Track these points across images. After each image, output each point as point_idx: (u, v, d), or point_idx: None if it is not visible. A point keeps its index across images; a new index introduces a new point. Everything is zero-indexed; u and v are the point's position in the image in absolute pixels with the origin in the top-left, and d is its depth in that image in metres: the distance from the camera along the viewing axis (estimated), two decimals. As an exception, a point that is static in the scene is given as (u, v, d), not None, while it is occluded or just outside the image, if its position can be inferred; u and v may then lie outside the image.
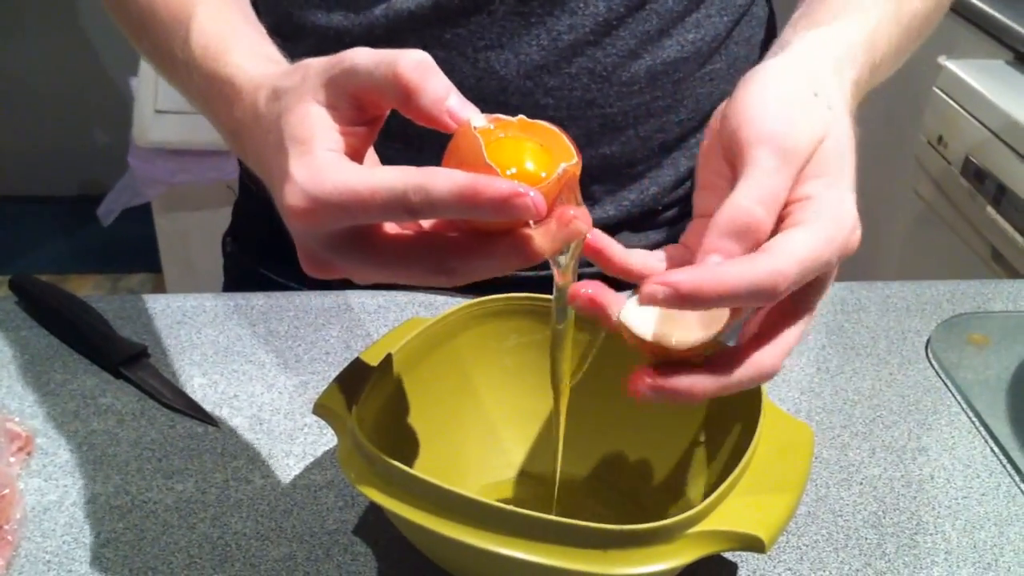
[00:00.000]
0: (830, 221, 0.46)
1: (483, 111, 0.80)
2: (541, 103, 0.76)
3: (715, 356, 0.47)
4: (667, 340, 0.45)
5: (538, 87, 0.76)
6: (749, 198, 0.45)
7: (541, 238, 0.44)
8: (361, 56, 0.45)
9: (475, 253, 0.44)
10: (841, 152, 0.48)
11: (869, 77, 0.57)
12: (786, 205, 0.47)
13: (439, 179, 0.41)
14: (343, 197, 0.43)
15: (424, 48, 0.76)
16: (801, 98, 0.49)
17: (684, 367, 0.46)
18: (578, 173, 0.45)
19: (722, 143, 0.50)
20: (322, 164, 0.44)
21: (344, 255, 0.46)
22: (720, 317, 0.46)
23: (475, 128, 0.44)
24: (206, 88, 0.58)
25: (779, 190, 0.46)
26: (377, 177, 0.42)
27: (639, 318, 0.46)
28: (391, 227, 0.46)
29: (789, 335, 0.48)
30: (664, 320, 0.46)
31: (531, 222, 0.44)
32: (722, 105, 0.52)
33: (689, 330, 0.46)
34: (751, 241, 0.45)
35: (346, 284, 0.88)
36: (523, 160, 0.44)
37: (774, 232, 0.46)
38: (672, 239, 0.89)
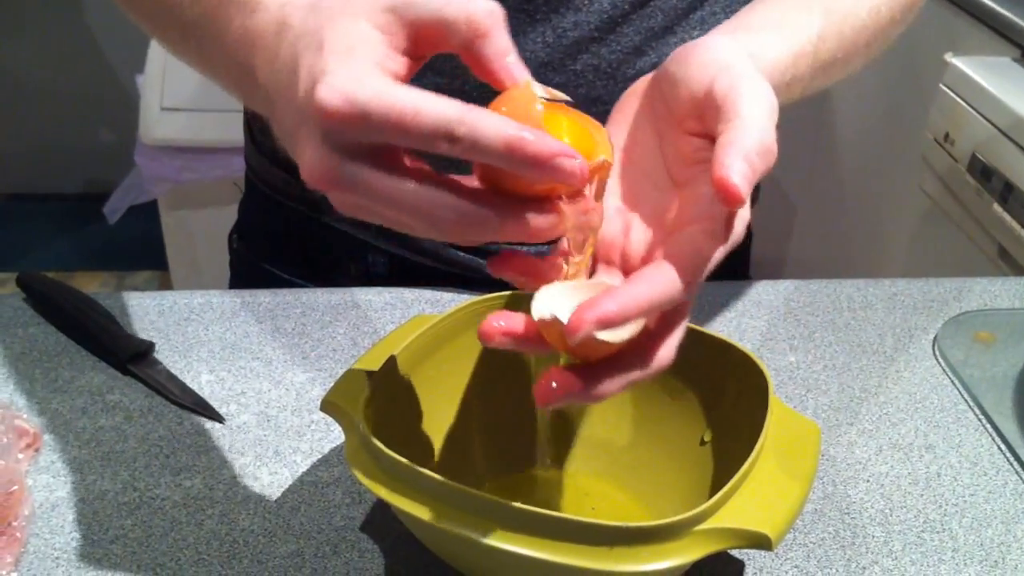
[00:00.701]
0: (739, 233, 0.47)
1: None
2: None
3: (627, 351, 0.46)
4: (599, 340, 0.44)
5: (543, 84, 0.76)
6: (768, 129, 0.45)
7: (564, 215, 0.44)
8: None
9: (495, 209, 0.43)
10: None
11: (786, 92, 0.57)
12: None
13: (491, 120, 0.41)
14: (383, 106, 0.41)
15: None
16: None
17: (606, 368, 0.45)
18: (609, 172, 0.46)
19: (686, 93, 0.49)
20: (365, 69, 0.42)
21: (358, 170, 0.43)
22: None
23: (533, 89, 0.44)
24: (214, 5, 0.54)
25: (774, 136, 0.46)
26: (425, 97, 0.41)
27: (553, 311, 0.44)
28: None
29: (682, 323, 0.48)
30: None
31: (562, 197, 0.44)
32: (644, 80, 0.53)
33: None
34: (768, 167, 0.45)
35: (352, 281, 0.88)
36: (571, 136, 0.44)
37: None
38: None
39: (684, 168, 0.50)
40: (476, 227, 0.43)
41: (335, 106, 0.41)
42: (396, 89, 0.42)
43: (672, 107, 0.50)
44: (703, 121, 0.48)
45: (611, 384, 0.45)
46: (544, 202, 0.44)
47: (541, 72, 0.75)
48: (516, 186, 0.44)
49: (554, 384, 0.44)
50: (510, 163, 0.41)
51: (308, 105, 0.43)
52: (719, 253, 0.46)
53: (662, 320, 0.47)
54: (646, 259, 0.49)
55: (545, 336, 0.45)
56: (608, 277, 0.50)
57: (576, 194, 0.45)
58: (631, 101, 0.54)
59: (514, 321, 0.46)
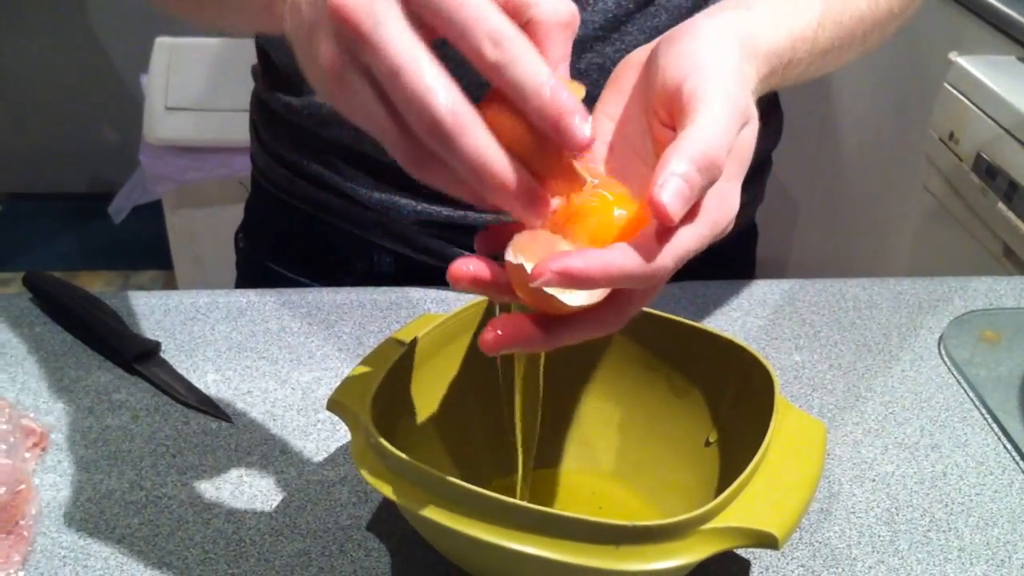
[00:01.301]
0: (715, 220, 0.46)
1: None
2: None
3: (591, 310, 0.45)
4: (558, 299, 0.44)
5: None
6: (718, 139, 0.44)
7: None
8: None
9: (487, 149, 0.42)
10: (748, 153, 0.49)
11: (781, 76, 0.57)
12: None
13: (532, 52, 0.42)
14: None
15: (432, 45, 0.75)
16: (743, 73, 0.49)
17: (569, 322, 0.45)
18: (585, 185, 0.46)
19: (661, 82, 0.49)
20: None
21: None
22: None
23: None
24: None
25: (730, 146, 0.46)
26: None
27: (522, 257, 0.44)
28: None
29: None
30: None
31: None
32: (643, 51, 0.53)
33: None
34: (712, 179, 0.44)
35: (358, 280, 0.88)
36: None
37: None
38: None
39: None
40: (459, 159, 0.43)
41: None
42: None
43: (650, 93, 0.50)
44: (671, 116, 0.48)
45: (560, 335, 0.45)
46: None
47: None
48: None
49: (499, 331, 0.44)
50: (522, 97, 0.42)
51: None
52: (697, 242, 0.45)
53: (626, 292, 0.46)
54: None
55: (512, 282, 0.45)
56: None
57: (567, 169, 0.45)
58: (627, 73, 0.54)
59: (482, 267, 0.46)
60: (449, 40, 0.43)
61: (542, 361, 0.55)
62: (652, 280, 0.43)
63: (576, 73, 0.76)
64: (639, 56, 0.53)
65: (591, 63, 0.76)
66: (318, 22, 0.44)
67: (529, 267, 0.42)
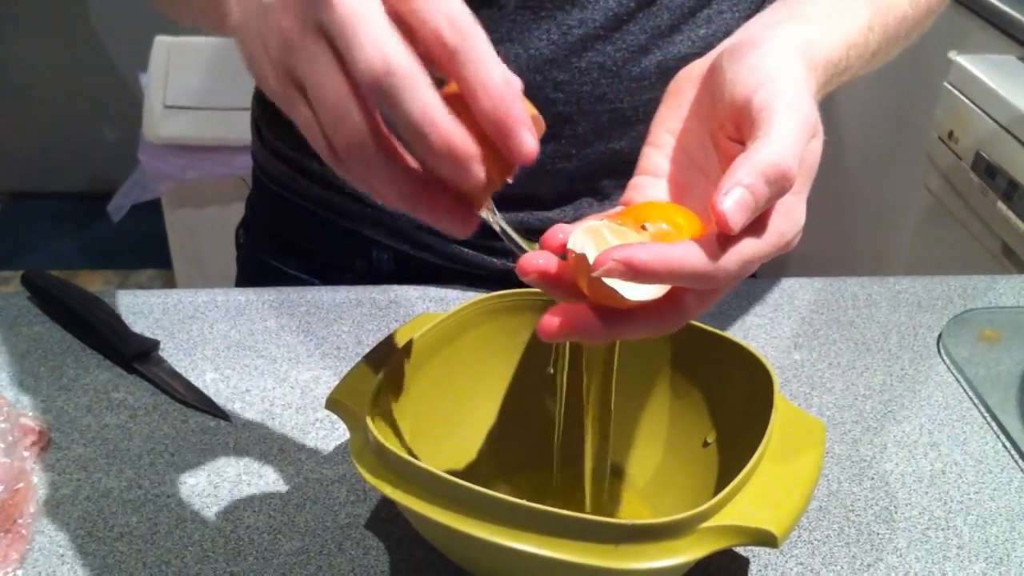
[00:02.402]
0: (781, 231, 0.46)
1: None
2: (551, 97, 0.76)
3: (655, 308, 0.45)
4: (617, 291, 0.43)
5: (548, 81, 0.76)
6: (790, 151, 0.44)
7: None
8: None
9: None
10: (814, 167, 0.49)
11: (837, 83, 0.58)
12: None
13: (490, 49, 0.41)
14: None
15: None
16: (809, 86, 0.49)
17: (629, 316, 0.45)
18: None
19: (729, 97, 0.49)
20: None
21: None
22: None
23: None
24: None
25: (799, 159, 0.45)
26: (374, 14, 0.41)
27: (584, 247, 0.44)
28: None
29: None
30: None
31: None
32: (702, 63, 0.52)
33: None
34: (781, 191, 0.44)
35: (358, 278, 0.88)
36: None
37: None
38: None
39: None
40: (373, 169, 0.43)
41: None
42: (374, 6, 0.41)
43: (717, 107, 0.50)
44: (739, 130, 0.48)
45: (619, 328, 0.44)
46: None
47: (546, 69, 0.75)
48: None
49: (560, 318, 0.44)
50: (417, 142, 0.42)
51: None
52: (761, 252, 0.44)
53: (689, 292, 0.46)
54: None
55: (574, 272, 0.44)
56: None
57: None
58: (686, 87, 0.53)
59: (551, 260, 0.46)
60: (411, 25, 0.42)
61: (615, 370, 0.55)
62: (714, 281, 0.43)
63: (577, 72, 0.76)
64: (697, 69, 0.53)
65: (592, 62, 0.75)
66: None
67: (592, 256, 0.42)
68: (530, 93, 0.75)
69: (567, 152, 0.79)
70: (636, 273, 0.41)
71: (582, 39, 0.75)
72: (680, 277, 0.42)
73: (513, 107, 0.42)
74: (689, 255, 0.42)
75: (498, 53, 0.75)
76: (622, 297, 0.43)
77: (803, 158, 0.47)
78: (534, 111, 0.45)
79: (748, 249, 0.44)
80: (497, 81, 0.42)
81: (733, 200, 0.42)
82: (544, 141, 0.79)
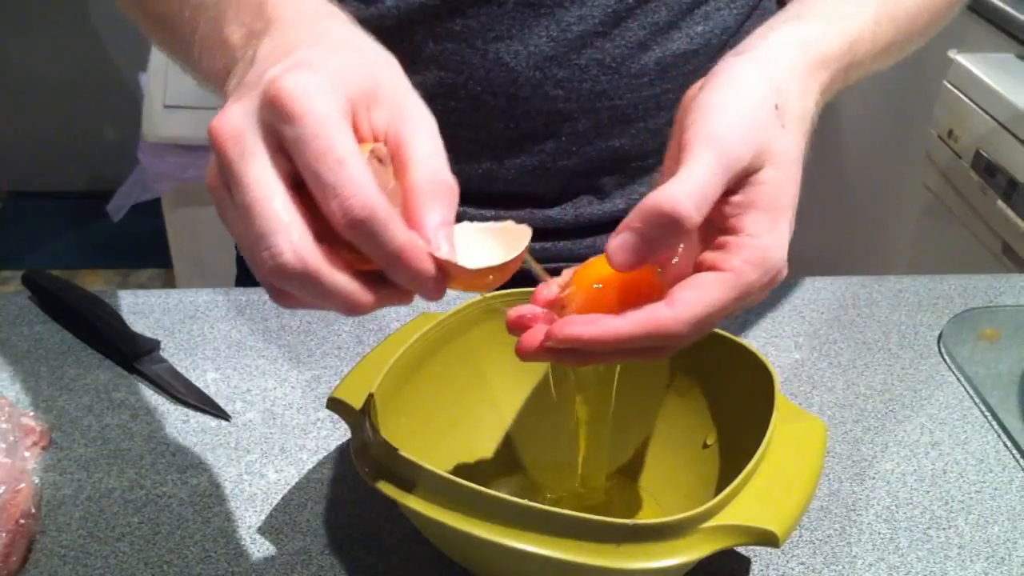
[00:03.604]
0: (750, 271, 0.47)
1: (493, 103, 0.81)
2: (551, 94, 0.76)
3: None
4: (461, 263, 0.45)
5: (548, 78, 0.76)
6: (682, 192, 0.45)
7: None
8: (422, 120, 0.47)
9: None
10: (784, 186, 0.50)
11: (844, 79, 0.58)
12: (725, 220, 0.48)
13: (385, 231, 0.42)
14: (320, 132, 0.42)
15: (434, 40, 0.75)
16: (760, 108, 0.49)
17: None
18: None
19: (676, 135, 0.50)
20: (337, 99, 0.43)
21: (258, 151, 0.43)
22: (519, 245, 0.47)
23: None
24: None
25: (711, 193, 0.46)
26: (352, 159, 0.42)
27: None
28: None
29: None
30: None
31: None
32: (687, 96, 0.52)
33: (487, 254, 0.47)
34: (672, 233, 0.45)
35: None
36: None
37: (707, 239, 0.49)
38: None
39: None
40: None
41: (288, 93, 0.42)
42: (348, 135, 0.42)
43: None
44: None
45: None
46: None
47: (545, 66, 0.75)
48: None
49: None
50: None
51: (265, 79, 0.43)
52: (717, 303, 0.46)
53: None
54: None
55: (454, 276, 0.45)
56: None
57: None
58: (680, 115, 0.53)
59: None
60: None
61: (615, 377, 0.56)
62: (672, 339, 0.45)
63: (576, 69, 0.76)
64: (690, 94, 0.53)
65: (591, 59, 0.75)
66: (252, 86, 0.45)
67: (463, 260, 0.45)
68: (530, 91, 0.76)
69: (567, 150, 0.79)
70: (584, 348, 0.46)
71: (581, 36, 0.75)
72: (631, 344, 0.45)
73: (415, 276, 0.43)
74: (623, 325, 0.45)
75: (498, 51, 0.75)
76: (462, 267, 0.44)
77: (758, 195, 0.48)
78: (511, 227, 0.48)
79: (693, 306, 0.45)
80: (393, 249, 0.42)
81: (616, 242, 0.46)
82: (544, 139, 0.80)
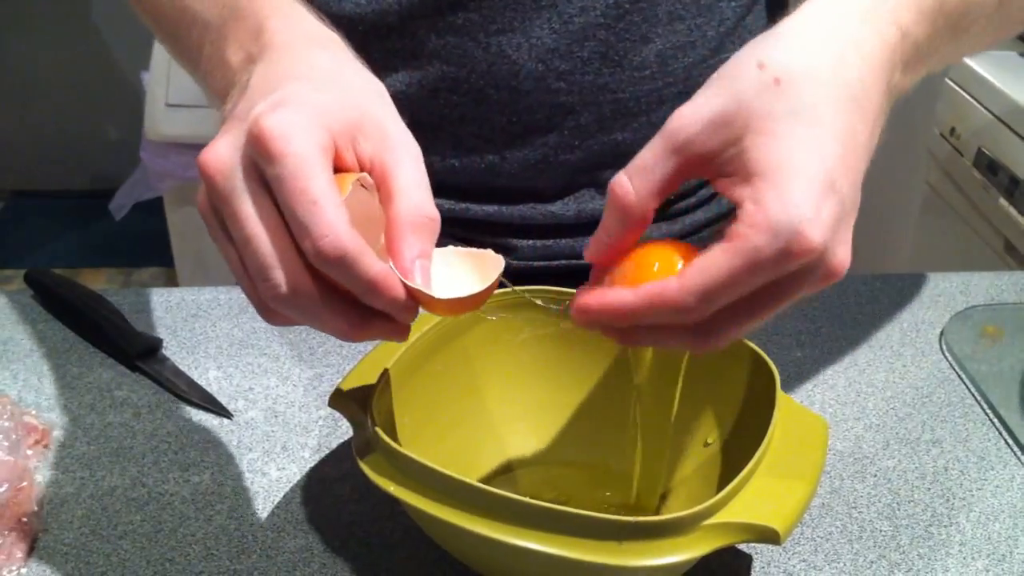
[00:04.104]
0: (753, 235, 0.43)
1: (496, 96, 0.81)
2: (553, 87, 0.76)
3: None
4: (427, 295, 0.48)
5: (550, 71, 0.76)
6: (624, 172, 0.47)
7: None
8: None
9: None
10: (781, 146, 0.44)
11: (906, 60, 0.51)
12: (732, 198, 0.45)
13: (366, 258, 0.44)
14: (299, 172, 0.44)
15: (436, 34, 0.76)
16: (729, 78, 0.47)
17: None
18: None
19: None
20: (320, 139, 0.46)
21: (243, 187, 0.46)
22: (492, 274, 0.50)
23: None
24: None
25: (654, 171, 0.47)
26: (328, 201, 0.44)
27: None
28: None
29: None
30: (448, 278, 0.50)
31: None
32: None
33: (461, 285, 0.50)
34: (622, 211, 0.48)
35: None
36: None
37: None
38: (685, 231, 0.89)
39: None
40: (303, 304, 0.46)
41: (268, 133, 0.44)
42: (324, 174, 0.44)
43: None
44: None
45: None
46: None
47: (548, 59, 0.75)
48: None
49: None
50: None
51: (252, 116, 0.45)
52: (723, 271, 0.43)
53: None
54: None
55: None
56: None
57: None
58: None
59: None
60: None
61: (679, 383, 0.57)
62: (670, 314, 0.45)
63: (579, 61, 0.75)
64: None
65: (593, 51, 0.75)
66: (239, 120, 0.48)
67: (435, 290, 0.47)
68: (532, 83, 0.75)
69: (569, 144, 0.79)
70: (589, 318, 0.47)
71: (583, 28, 0.75)
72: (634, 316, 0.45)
73: (382, 299, 0.46)
74: (622, 296, 0.46)
75: (500, 44, 0.75)
76: (433, 297, 0.47)
77: (744, 160, 0.45)
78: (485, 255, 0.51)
79: (698, 277, 0.44)
80: (366, 281, 0.45)
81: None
82: (547, 132, 0.80)
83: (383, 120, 0.49)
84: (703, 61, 0.80)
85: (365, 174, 0.47)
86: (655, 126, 0.83)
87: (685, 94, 0.79)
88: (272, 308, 0.47)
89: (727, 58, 0.81)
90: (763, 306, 0.45)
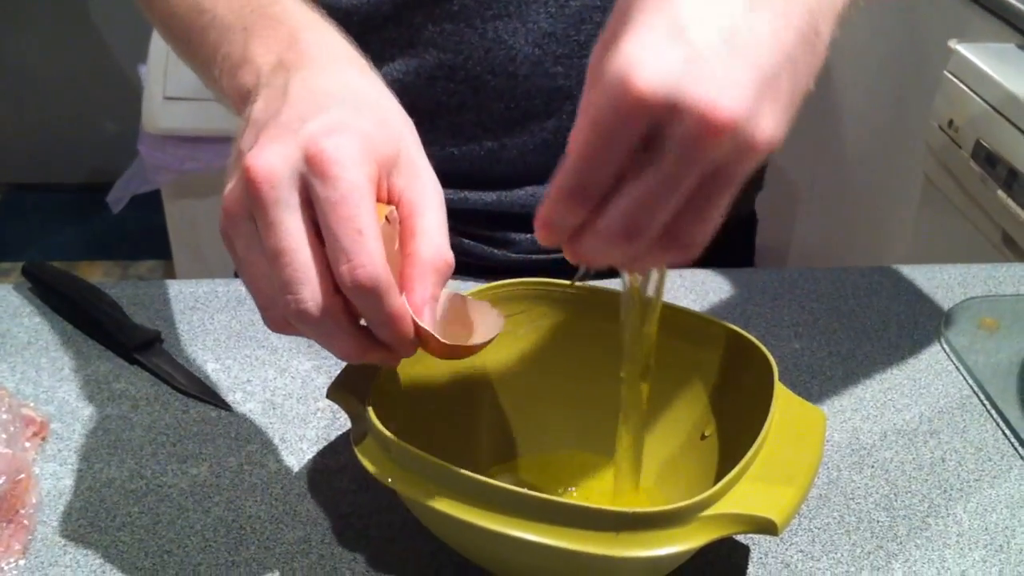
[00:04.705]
0: (593, 96, 0.42)
1: (493, 83, 0.81)
2: (550, 71, 0.76)
3: None
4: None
5: (547, 55, 0.75)
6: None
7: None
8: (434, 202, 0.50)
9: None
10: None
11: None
12: None
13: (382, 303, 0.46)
14: (349, 197, 0.45)
15: (433, 22, 0.76)
16: None
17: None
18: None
19: None
20: (368, 167, 0.47)
21: (289, 198, 0.47)
22: (493, 330, 0.53)
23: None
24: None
25: None
26: (368, 230, 0.46)
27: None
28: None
29: None
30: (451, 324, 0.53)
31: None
32: None
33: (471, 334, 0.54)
34: None
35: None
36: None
37: None
38: None
39: None
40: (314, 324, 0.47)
41: (328, 156, 0.45)
42: (370, 206, 0.46)
43: None
44: None
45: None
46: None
47: (545, 43, 0.75)
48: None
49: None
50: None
51: (306, 130, 0.46)
52: (588, 139, 0.43)
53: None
54: None
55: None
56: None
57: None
58: None
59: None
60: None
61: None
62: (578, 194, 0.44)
63: (576, 45, 0.75)
64: None
65: (590, 35, 0.75)
66: (284, 131, 0.48)
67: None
68: (530, 68, 0.75)
69: (568, 128, 0.79)
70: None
71: (579, 11, 0.75)
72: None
73: (393, 334, 0.48)
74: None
75: (497, 29, 0.75)
76: (437, 339, 0.49)
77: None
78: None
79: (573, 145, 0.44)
80: (386, 315, 0.47)
81: None
82: (546, 118, 0.80)
83: (417, 159, 0.50)
84: None
85: (393, 208, 0.49)
86: None
87: None
88: (285, 322, 0.48)
89: None
90: (679, 194, 0.41)
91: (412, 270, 0.48)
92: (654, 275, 0.53)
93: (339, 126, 0.47)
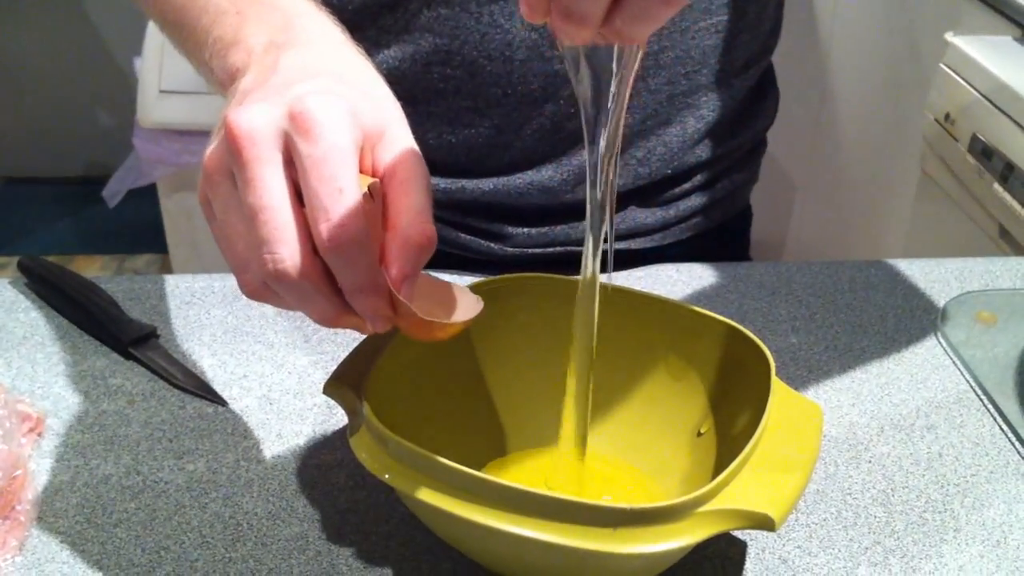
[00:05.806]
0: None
1: (490, 67, 0.81)
2: (547, 55, 0.76)
3: None
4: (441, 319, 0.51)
5: (544, 40, 0.75)
6: None
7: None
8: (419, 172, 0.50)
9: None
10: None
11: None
12: None
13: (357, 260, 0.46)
14: (336, 151, 0.45)
15: (428, 7, 0.76)
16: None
17: None
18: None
19: None
20: (352, 131, 0.46)
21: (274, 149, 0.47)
22: (471, 312, 0.53)
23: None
24: None
25: None
26: (350, 190, 0.45)
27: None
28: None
29: None
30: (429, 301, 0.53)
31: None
32: None
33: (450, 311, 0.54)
34: None
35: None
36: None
37: None
38: (681, 217, 0.88)
39: None
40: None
41: (312, 113, 0.45)
42: (353, 167, 0.46)
43: None
44: None
45: None
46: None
47: (541, 27, 0.75)
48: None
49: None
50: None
51: (292, 92, 0.46)
52: None
53: None
54: None
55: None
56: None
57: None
58: None
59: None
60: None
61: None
62: None
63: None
64: None
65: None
66: (271, 91, 0.48)
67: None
68: (526, 52, 0.75)
69: (566, 113, 0.79)
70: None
71: None
72: None
73: (367, 301, 0.48)
74: None
75: (492, 13, 0.75)
76: (414, 312, 0.48)
77: None
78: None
79: None
80: (362, 278, 0.47)
81: None
82: (543, 103, 0.79)
83: (403, 137, 0.50)
84: (697, 23, 0.79)
85: (376, 181, 0.48)
86: (653, 92, 0.83)
87: (681, 59, 0.79)
88: (261, 284, 0.47)
89: (721, 21, 0.80)
90: None
91: (393, 244, 0.48)
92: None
93: (328, 89, 0.47)
